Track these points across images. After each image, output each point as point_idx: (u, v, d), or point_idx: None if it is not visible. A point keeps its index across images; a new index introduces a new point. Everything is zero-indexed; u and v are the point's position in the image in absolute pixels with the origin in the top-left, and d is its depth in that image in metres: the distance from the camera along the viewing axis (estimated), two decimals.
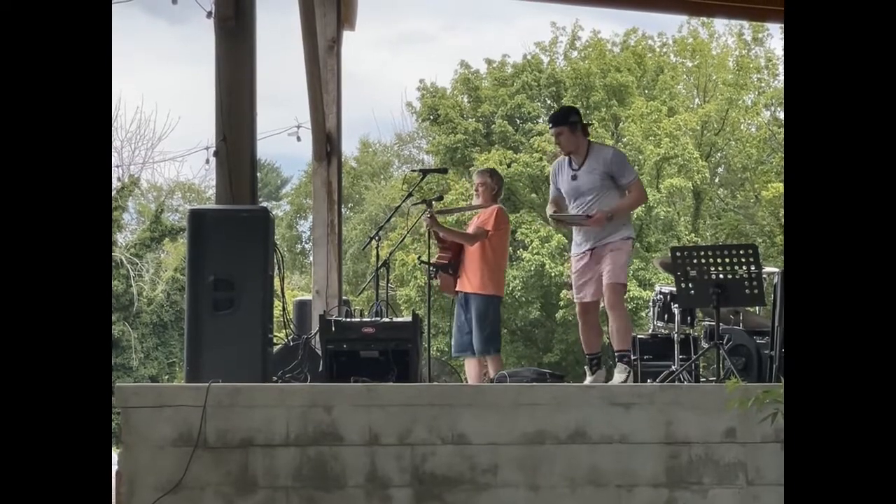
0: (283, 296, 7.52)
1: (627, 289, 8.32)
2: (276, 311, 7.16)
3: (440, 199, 9.52)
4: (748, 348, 8.16)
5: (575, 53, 30.33)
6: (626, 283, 8.05)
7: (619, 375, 7.62)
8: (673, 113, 28.15)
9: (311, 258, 12.70)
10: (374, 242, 8.79)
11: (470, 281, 8.61)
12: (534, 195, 27.89)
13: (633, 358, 7.94)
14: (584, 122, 8.01)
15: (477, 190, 9.02)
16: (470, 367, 8.81)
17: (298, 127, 23.65)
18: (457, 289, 8.73)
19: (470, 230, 9.02)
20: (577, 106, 28.45)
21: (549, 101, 29.77)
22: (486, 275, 8.58)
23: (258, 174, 8.52)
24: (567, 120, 7.95)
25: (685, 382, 7.86)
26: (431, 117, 29.75)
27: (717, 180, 30.75)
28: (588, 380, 7.84)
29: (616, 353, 7.68)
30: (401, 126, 39.33)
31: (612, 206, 7.70)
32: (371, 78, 48.38)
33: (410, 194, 10.34)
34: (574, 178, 7.85)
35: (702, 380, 8.62)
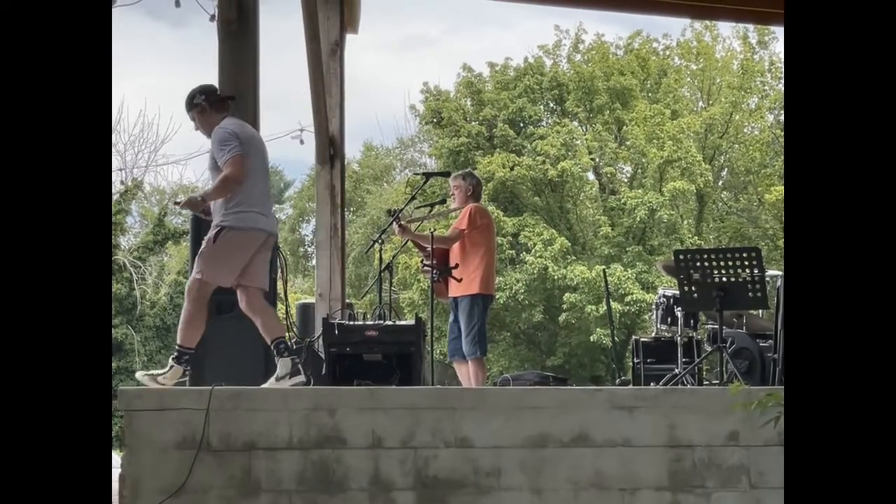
0: (287, 299, 7.53)
1: (205, 280, 6.60)
2: (280, 315, 7.16)
3: (443, 202, 9.52)
4: (751, 351, 8.16)
5: (578, 56, 30.34)
6: (200, 277, 6.58)
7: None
8: (676, 116, 28.15)
9: (314, 261, 12.73)
10: (376, 246, 8.79)
11: (455, 284, 8.57)
12: (536, 198, 27.90)
13: (185, 358, 6.55)
14: (219, 96, 6.96)
15: (452, 194, 8.97)
16: (461, 372, 8.76)
17: (301, 130, 23.74)
18: (449, 294, 8.71)
19: (448, 233, 9.00)
20: (578, 109, 28.51)
21: (551, 105, 29.77)
22: (468, 275, 8.53)
23: None
24: (192, 104, 6.88)
25: (688, 386, 7.87)
26: (435, 120, 29.77)
27: (720, 183, 30.74)
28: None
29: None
30: (403, 130, 39.42)
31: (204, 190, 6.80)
32: (374, 82, 48.40)
33: (413, 198, 10.34)
34: None
35: (705, 383, 8.63)
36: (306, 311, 10.51)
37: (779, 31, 26.48)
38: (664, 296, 9.00)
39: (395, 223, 8.52)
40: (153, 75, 50.96)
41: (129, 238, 32.01)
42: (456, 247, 8.60)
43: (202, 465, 5.76)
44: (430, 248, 8.39)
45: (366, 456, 5.81)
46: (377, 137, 50.56)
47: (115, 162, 30.95)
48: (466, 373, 8.63)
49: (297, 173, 55.32)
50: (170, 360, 6.58)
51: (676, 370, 8.33)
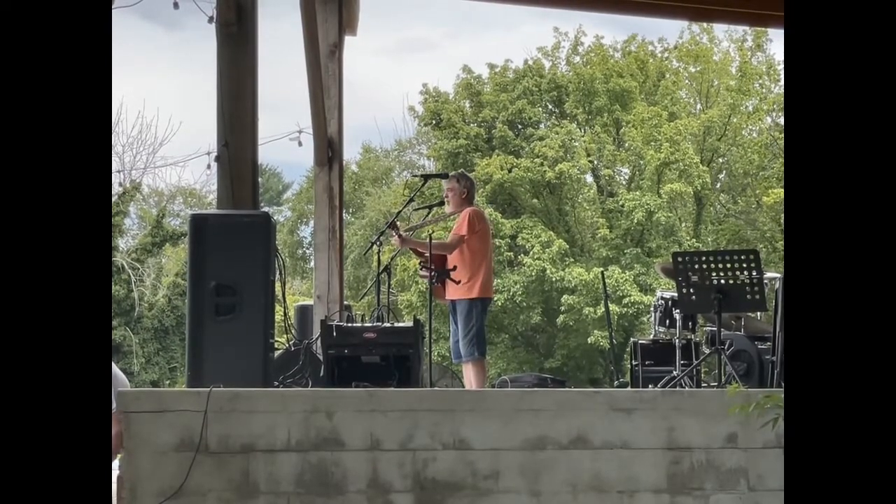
0: (285, 301, 7.51)
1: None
2: (278, 316, 7.15)
3: (441, 203, 9.51)
4: (749, 354, 8.15)
5: (577, 59, 30.35)
6: None
7: None
8: (674, 118, 28.17)
9: (313, 263, 12.72)
10: (375, 248, 8.78)
11: (454, 287, 8.57)
12: (535, 200, 27.90)
13: None
14: None
15: (447, 196, 8.95)
16: (467, 374, 8.78)
17: (300, 132, 23.72)
18: (447, 297, 8.71)
19: (448, 238, 8.98)
20: (578, 110, 28.53)
21: (550, 106, 29.79)
22: (469, 280, 8.54)
23: (260, 179, 8.51)
24: None
25: (687, 388, 7.86)
26: (434, 122, 29.78)
27: (718, 186, 30.77)
28: None
29: None
30: (402, 132, 39.42)
31: None
32: (373, 84, 48.41)
33: (412, 199, 10.33)
34: None
35: (703, 385, 8.62)
36: (305, 312, 10.51)
37: (774, 34, 26.53)
38: (662, 298, 8.99)
39: (394, 234, 8.49)
40: (151, 77, 50.94)
41: (127, 240, 32.03)
42: (454, 251, 8.60)
43: (200, 468, 5.75)
44: (429, 255, 8.37)
45: (364, 458, 5.80)
46: (376, 139, 50.62)
47: (114, 164, 30.94)
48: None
49: (295, 175, 55.39)
50: None
51: (675, 372, 8.32)
